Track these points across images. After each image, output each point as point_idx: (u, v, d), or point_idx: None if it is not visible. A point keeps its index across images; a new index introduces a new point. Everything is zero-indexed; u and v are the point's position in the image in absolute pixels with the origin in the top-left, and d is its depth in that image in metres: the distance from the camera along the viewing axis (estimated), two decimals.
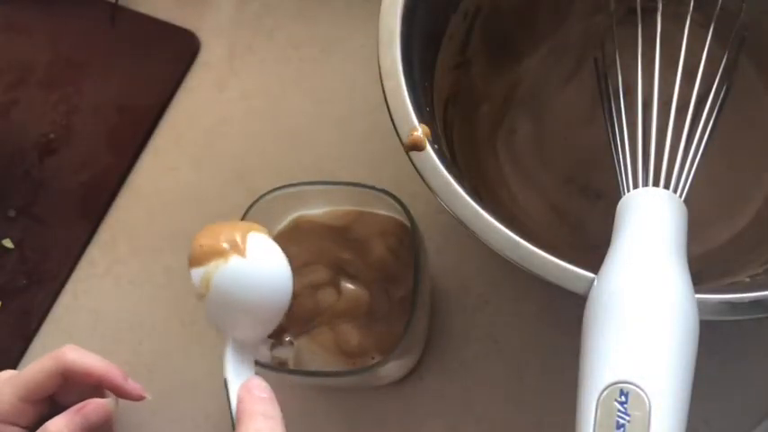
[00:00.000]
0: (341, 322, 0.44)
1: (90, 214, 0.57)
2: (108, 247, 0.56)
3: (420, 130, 0.41)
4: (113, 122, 0.59)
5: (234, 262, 0.36)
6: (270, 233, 0.45)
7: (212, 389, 0.52)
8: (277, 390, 0.39)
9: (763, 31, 0.50)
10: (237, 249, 0.37)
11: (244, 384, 0.37)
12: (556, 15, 0.53)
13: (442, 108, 0.48)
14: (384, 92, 0.42)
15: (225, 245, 0.37)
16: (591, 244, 0.45)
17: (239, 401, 0.36)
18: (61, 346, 0.45)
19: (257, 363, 0.43)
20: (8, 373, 0.45)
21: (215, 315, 0.37)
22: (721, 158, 0.48)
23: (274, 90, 0.58)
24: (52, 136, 0.59)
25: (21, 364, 0.54)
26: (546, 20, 0.53)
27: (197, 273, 0.36)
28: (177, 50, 0.60)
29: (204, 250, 0.36)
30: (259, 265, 0.37)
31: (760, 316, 0.37)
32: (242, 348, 0.38)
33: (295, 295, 0.41)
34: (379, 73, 0.42)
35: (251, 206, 0.46)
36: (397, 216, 0.46)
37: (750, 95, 0.51)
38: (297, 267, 0.48)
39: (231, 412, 0.36)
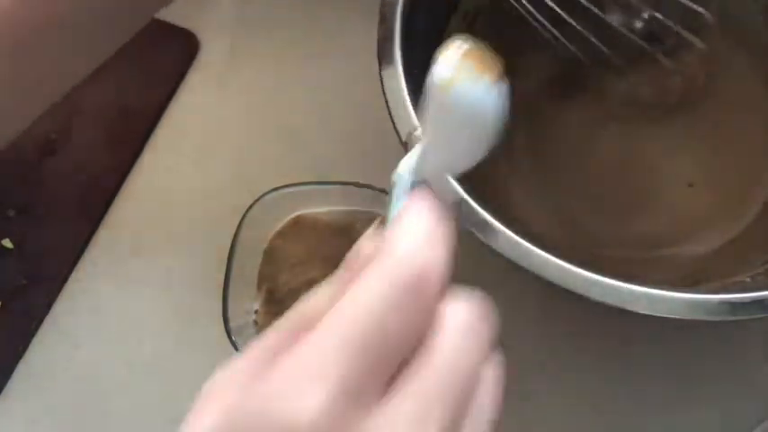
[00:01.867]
0: None
1: (90, 214, 0.57)
2: (108, 247, 0.56)
3: (420, 130, 0.41)
4: (113, 122, 0.59)
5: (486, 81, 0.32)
6: (269, 233, 0.45)
7: None
8: None
9: (763, 31, 0.50)
10: (498, 74, 0.32)
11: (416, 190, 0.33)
12: None
13: None
14: (384, 92, 0.42)
15: (490, 64, 0.32)
16: (591, 244, 0.45)
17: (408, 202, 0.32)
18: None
19: None
20: None
21: (433, 116, 0.33)
22: (721, 158, 0.48)
23: (274, 89, 0.58)
24: (52, 136, 0.59)
25: (20, 365, 0.54)
26: None
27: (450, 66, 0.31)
28: (177, 50, 0.60)
29: (475, 55, 0.31)
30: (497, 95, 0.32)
31: (760, 316, 0.37)
32: (425, 167, 0.34)
33: (295, 293, 0.41)
34: (380, 73, 0.42)
35: (251, 206, 0.46)
36: None
37: (750, 95, 0.51)
38: (296, 265, 0.49)
39: (389, 210, 0.32)
